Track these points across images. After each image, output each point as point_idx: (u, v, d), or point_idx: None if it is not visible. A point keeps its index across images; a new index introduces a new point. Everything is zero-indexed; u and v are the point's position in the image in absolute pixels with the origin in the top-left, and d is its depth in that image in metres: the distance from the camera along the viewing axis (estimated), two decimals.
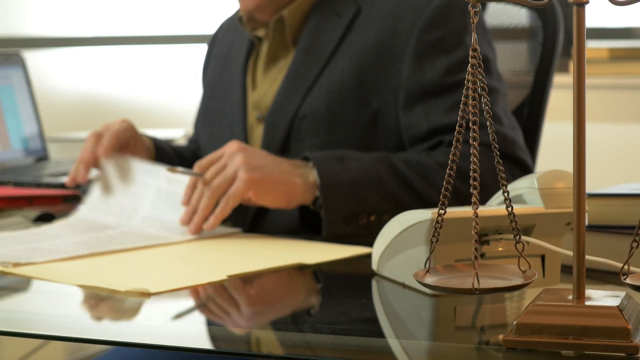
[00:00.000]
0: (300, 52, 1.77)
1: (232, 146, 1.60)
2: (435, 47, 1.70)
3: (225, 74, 1.91)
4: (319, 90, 1.74)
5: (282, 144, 1.75)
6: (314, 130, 1.73)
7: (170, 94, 4.04)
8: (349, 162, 1.63)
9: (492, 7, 2.00)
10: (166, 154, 1.87)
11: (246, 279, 1.33)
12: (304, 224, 1.66)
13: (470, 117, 0.96)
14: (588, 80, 0.95)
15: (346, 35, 1.75)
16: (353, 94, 1.72)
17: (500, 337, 0.95)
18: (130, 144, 1.77)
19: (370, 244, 1.31)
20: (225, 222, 1.66)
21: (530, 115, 1.98)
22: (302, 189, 1.60)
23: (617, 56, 3.30)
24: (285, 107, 1.76)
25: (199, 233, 1.57)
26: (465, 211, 1.11)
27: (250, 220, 1.74)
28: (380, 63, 1.72)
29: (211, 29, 2.07)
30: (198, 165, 1.60)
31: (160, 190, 1.67)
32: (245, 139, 1.82)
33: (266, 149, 1.75)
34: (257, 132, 1.81)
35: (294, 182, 1.59)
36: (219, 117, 1.89)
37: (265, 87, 1.83)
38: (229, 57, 1.92)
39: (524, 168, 1.69)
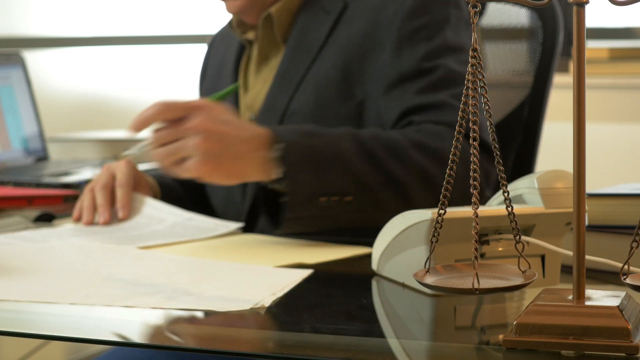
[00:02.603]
0: (289, 49, 1.77)
1: (198, 118, 1.47)
2: (415, 35, 1.69)
3: (219, 81, 1.90)
4: (306, 86, 1.73)
5: None
6: None
7: (170, 94, 4.04)
8: (315, 139, 1.55)
9: (492, 7, 2.00)
10: (171, 189, 1.82)
11: None
12: (260, 206, 1.62)
13: (470, 117, 0.96)
14: (588, 80, 0.95)
15: (333, 30, 1.75)
16: (339, 87, 1.71)
17: (500, 337, 0.95)
18: (137, 183, 1.72)
19: (370, 244, 1.31)
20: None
21: (530, 115, 1.98)
22: (260, 165, 1.51)
23: (617, 56, 3.30)
24: (275, 105, 1.75)
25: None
26: (465, 211, 1.11)
27: (244, 221, 1.73)
28: (363, 54, 1.71)
29: (211, 29, 2.07)
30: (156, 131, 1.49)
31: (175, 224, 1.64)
32: None
33: None
34: None
35: (253, 156, 1.50)
36: None
37: (258, 88, 1.82)
38: (222, 64, 1.92)
39: (489, 151, 1.62)
